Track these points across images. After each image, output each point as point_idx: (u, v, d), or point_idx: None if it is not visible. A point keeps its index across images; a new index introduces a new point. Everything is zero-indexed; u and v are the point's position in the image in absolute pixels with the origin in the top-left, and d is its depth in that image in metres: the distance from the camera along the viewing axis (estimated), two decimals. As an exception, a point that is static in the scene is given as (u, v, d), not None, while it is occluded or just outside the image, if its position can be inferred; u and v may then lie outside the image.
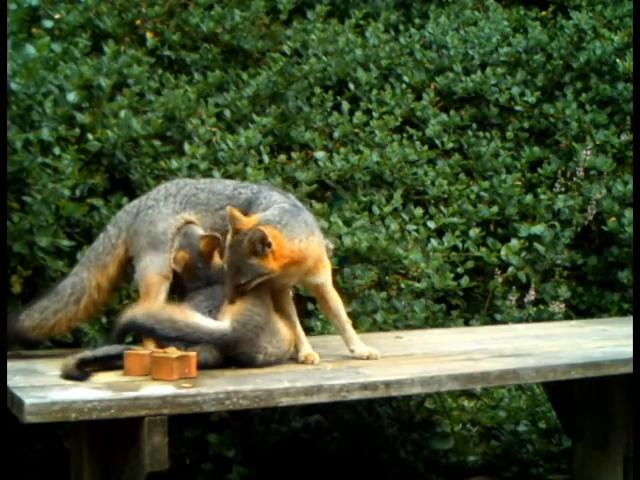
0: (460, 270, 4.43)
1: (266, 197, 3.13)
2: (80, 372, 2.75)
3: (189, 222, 3.17)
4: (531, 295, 4.62)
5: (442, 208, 4.55)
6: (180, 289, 3.15)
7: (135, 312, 2.91)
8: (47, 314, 3.13)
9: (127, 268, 3.22)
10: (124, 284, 3.45)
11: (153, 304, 3.06)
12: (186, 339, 2.82)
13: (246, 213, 3.07)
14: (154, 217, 3.16)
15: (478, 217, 4.65)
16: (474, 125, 5.00)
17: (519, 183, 4.85)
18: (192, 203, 3.19)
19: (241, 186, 3.27)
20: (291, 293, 3.24)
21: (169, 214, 3.16)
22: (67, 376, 2.73)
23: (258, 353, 2.96)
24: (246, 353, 2.94)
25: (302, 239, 2.99)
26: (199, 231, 3.16)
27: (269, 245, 2.90)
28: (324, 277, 3.13)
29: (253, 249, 2.89)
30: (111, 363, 2.85)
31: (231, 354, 2.93)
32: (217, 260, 3.12)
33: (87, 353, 2.88)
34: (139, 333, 3.03)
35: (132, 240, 3.17)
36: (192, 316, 2.90)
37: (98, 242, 3.22)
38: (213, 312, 2.98)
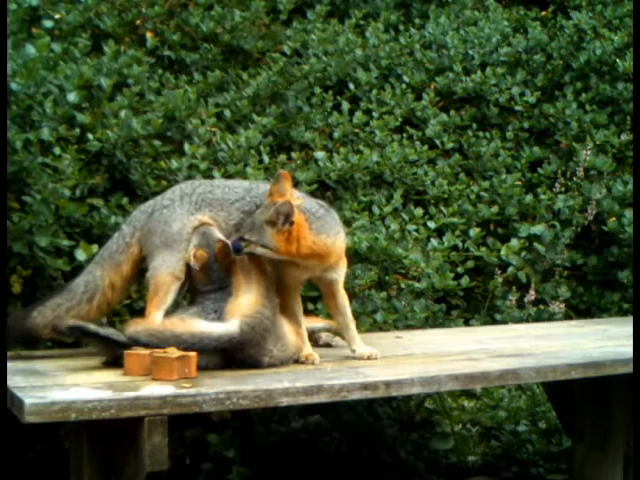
0: (460, 270, 4.43)
1: None
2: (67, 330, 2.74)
3: (204, 224, 3.16)
4: (531, 295, 4.62)
5: (442, 208, 4.55)
6: (189, 292, 3.13)
7: (137, 330, 2.87)
8: (59, 312, 3.09)
9: (141, 267, 3.19)
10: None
11: (161, 304, 3.06)
12: (194, 349, 2.80)
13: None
14: (169, 217, 3.14)
15: (478, 217, 4.65)
16: (474, 125, 5.01)
17: (519, 183, 4.85)
18: (207, 201, 3.17)
19: (257, 182, 3.32)
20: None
21: (184, 214, 3.14)
22: (53, 328, 2.73)
23: (264, 356, 2.95)
24: (253, 356, 2.93)
25: (330, 235, 3.03)
26: (217, 234, 3.14)
27: (291, 224, 2.92)
28: (340, 273, 3.16)
29: (275, 218, 2.92)
30: (109, 347, 2.84)
31: (238, 357, 2.92)
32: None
33: (91, 325, 2.87)
34: None
35: (146, 239, 3.15)
36: (195, 324, 2.88)
37: (112, 241, 3.20)
38: (219, 312, 2.97)
